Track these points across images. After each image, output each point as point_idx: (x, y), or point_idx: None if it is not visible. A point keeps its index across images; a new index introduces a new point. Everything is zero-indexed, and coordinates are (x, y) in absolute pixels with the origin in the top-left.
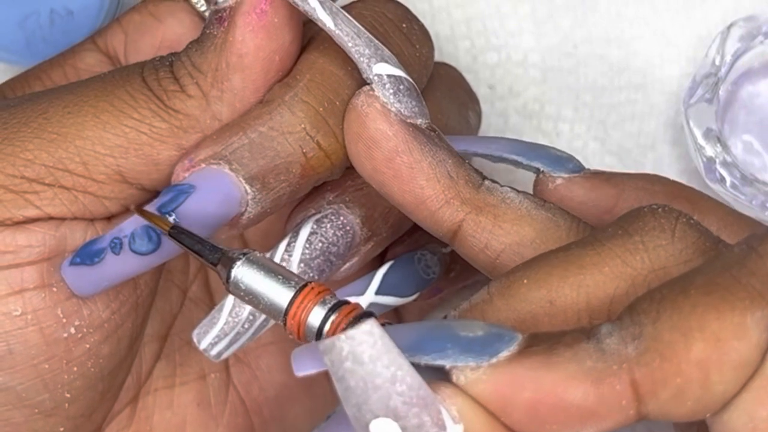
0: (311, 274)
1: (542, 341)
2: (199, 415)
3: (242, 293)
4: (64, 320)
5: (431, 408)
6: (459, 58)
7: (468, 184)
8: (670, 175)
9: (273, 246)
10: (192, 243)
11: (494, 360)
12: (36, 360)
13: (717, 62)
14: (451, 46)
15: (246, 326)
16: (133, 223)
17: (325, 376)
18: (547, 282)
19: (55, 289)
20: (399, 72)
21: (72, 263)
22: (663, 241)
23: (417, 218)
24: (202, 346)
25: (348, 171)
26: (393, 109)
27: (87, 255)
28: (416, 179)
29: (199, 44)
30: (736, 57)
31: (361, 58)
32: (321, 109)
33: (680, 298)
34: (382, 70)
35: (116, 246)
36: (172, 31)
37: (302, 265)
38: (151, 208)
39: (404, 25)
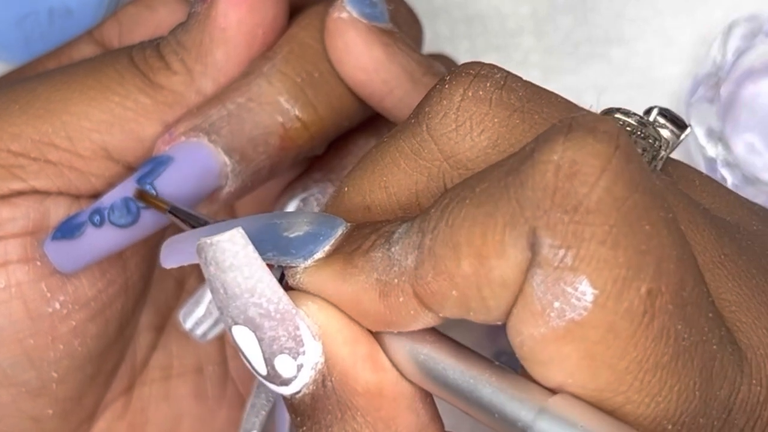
0: None
1: (354, 240)
2: (196, 408)
3: None
4: (49, 295)
5: (288, 323)
6: (459, 58)
7: None
8: None
9: None
10: (188, 219)
11: (308, 262)
12: (21, 335)
13: (718, 61)
14: (451, 46)
15: None
16: (113, 195)
17: None
18: (360, 188)
19: (39, 264)
20: None
21: (54, 238)
22: (447, 128)
23: None
24: (187, 326)
25: (334, 149)
26: None
27: (68, 229)
28: None
29: (184, 23)
30: (738, 56)
31: None
32: (299, 80)
33: (457, 208)
34: None
35: (96, 218)
36: (165, 22)
37: None
38: (130, 180)
39: (390, 7)
